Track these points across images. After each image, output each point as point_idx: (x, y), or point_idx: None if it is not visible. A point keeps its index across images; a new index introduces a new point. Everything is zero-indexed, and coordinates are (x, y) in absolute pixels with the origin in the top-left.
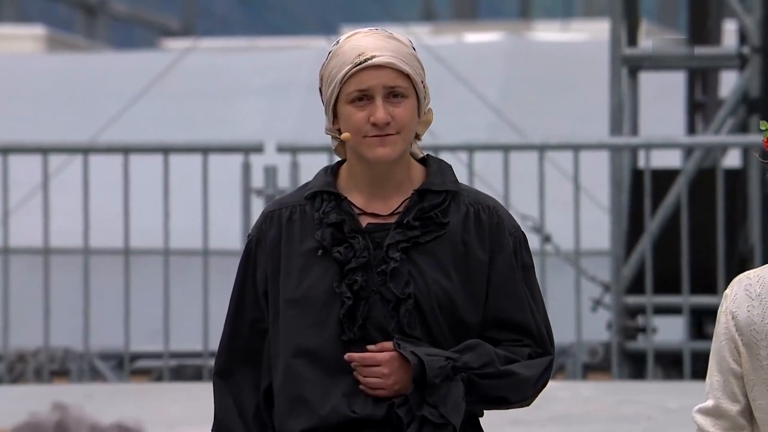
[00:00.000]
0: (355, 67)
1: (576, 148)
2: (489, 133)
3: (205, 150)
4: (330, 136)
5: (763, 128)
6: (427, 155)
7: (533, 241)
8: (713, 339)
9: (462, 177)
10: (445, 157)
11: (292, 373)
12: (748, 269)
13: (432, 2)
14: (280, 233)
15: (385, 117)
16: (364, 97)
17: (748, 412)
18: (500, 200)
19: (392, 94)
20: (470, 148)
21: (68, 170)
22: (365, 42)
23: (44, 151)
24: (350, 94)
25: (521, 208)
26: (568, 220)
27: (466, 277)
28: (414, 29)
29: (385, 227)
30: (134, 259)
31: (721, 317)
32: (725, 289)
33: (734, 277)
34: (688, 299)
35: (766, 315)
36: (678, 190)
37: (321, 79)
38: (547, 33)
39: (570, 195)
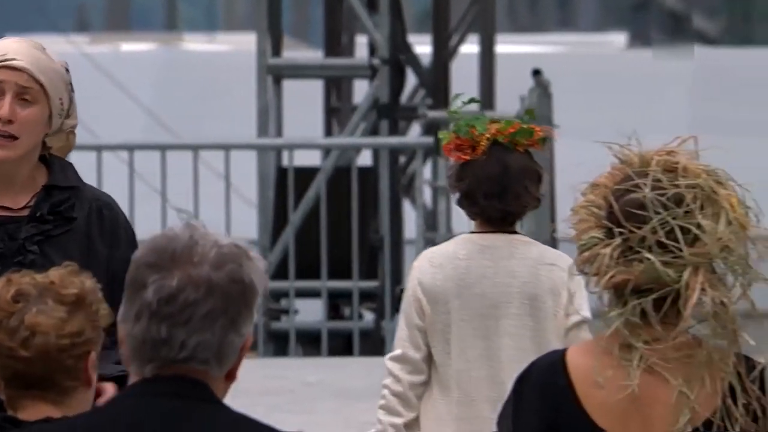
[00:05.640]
0: None
1: (226, 148)
2: (145, 134)
3: None
4: None
5: (441, 137)
6: (49, 154)
7: None
8: (402, 302)
9: (123, 175)
10: (106, 156)
11: None
12: (379, 256)
13: (86, 13)
14: None
15: (9, 114)
16: None
17: (428, 360)
18: (158, 196)
19: (24, 98)
20: (129, 148)
21: None
22: (14, 46)
23: None
24: None
25: (177, 202)
26: (220, 213)
27: (88, 269)
28: (74, 39)
29: (17, 220)
30: None
31: (410, 284)
32: (358, 274)
33: (365, 263)
34: (326, 284)
35: (447, 280)
36: (317, 186)
37: None
38: (195, 44)
39: (221, 191)
